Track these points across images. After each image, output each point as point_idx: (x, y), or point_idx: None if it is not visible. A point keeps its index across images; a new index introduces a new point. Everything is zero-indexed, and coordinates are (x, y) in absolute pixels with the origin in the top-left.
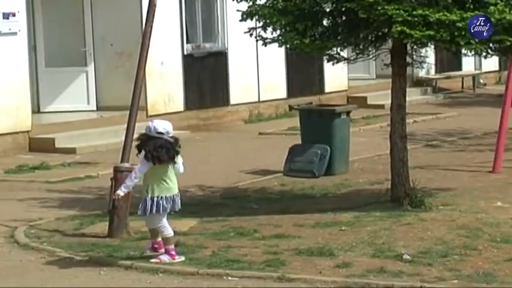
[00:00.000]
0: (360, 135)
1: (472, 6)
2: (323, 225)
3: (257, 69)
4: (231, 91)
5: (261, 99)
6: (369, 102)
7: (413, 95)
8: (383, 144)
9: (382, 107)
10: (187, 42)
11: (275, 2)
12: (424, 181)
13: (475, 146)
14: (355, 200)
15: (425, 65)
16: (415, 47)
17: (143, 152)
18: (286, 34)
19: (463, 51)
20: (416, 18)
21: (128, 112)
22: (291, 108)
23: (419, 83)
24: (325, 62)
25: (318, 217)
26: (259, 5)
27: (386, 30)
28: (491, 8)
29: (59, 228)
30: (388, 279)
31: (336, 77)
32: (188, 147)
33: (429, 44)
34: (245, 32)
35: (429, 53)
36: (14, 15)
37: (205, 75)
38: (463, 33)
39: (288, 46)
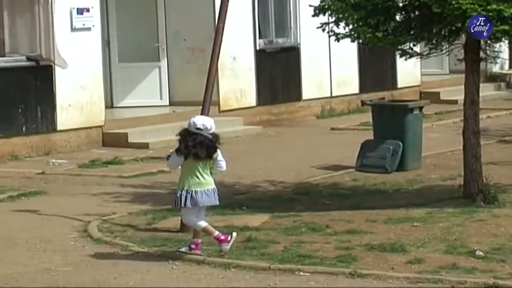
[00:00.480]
0: (433, 131)
1: None
2: (395, 221)
3: (329, 64)
4: (303, 86)
5: (333, 95)
6: (442, 97)
7: (486, 91)
8: (456, 140)
9: (455, 102)
10: (259, 38)
11: None
12: (497, 177)
13: None
14: (428, 196)
15: (499, 60)
16: (488, 42)
17: (178, 146)
18: (358, 29)
19: None
20: (490, 13)
21: (200, 107)
22: (363, 103)
23: (492, 78)
24: (397, 57)
25: (390, 213)
26: (331, 0)
27: (460, 24)
28: None
29: (131, 223)
30: (460, 276)
31: (409, 72)
32: (260, 142)
33: (503, 39)
34: (317, 27)
35: (503, 48)
36: (88, 10)
37: (278, 71)
38: None
39: (360, 41)
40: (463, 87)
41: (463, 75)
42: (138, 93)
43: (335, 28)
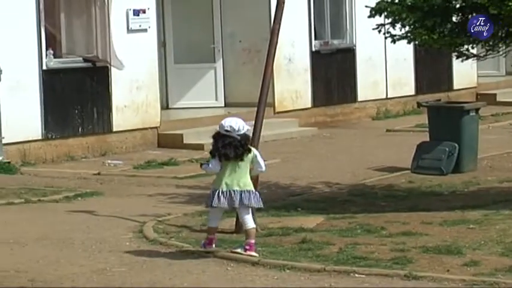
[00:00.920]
0: (489, 133)
1: None
2: (451, 223)
3: (385, 65)
4: (359, 88)
5: (389, 96)
6: (498, 99)
7: None
8: None
9: (511, 104)
10: (315, 39)
11: None
12: None
13: None
14: (484, 198)
15: None
16: None
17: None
18: (415, 30)
19: None
20: None
21: (255, 109)
22: (419, 105)
23: None
24: (453, 58)
25: (446, 215)
26: (387, 1)
27: None
28: None
29: (186, 224)
30: None
31: (465, 73)
32: (315, 143)
33: None
34: (373, 29)
35: None
36: (144, 12)
37: (333, 72)
38: None
39: (416, 43)
40: None
41: None
42: (193, 95)
43: (391, 29)
